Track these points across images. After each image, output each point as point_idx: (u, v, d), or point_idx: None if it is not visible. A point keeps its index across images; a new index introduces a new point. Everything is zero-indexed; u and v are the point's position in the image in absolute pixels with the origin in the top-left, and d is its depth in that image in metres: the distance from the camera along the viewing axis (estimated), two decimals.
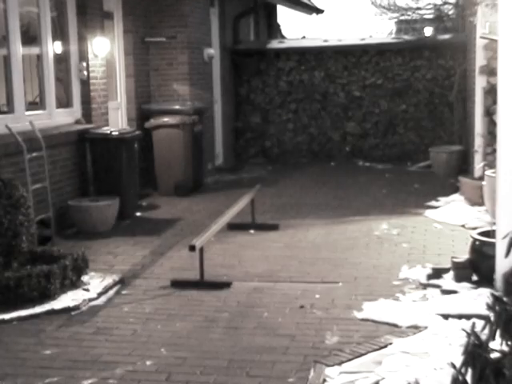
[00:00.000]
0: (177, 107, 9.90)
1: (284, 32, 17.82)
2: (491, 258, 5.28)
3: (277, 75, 13.00)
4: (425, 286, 5.55)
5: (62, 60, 8.49)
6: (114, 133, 8.31)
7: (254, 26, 14.87)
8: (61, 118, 8.20)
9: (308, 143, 13.02)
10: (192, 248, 5.67)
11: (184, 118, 9.73)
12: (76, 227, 7.70)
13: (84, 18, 8.50)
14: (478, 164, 8.76)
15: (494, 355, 2.58)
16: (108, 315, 5.20)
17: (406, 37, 13.67)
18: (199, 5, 11.11)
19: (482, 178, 8.00)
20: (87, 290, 5.59)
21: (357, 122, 12.80)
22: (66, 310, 5.23)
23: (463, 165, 10.70)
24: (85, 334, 4.82)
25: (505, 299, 2.73)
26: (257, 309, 5.22)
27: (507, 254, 3.04)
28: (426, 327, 4.68)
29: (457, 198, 8.71)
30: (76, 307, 5.27)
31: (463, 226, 7.48)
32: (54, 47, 8.16)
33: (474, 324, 2.72)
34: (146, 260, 6.62)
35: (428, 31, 15.57)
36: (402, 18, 13.44)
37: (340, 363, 4.20)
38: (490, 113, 8.48)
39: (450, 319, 4.77)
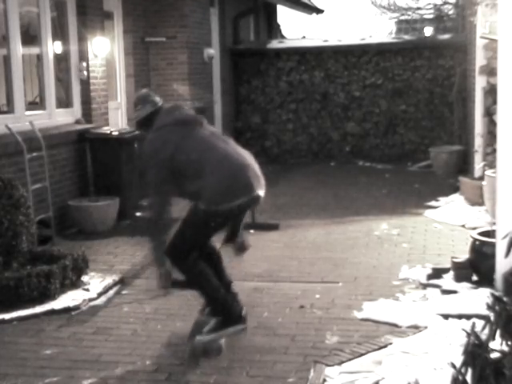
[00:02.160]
0: None
1: (284, 32, 17.84)
2: (491, 257, 5.28)
3: (277, 75, 12.99)
4: (425, 286, 5.55)
5: (61, 60, 8.49)
6: (114, 133, 8.31)
7: (254, 26, 14.87)
8: (61, 118, 8.20)
9: (308, 143, 13.02)
10: None
11: None
12: (76, 227, 7.70)
13: (84, 17, 8.50)
14: (478, 164, 8.76)
15: (494, 355, 2.58)
16: (108, 315, 5.20)
17: (406, 37, 13.67)
18: (199, 5, 11.11)
19: (482, 178, 8.00)
20: (87, 289, 5.59)
21: (357, 122, 12.80)
22: (66, 310, 5.23)
23: (463, 165, 10.71)
24: (85, 334, 4.82)
25: (505, 299, 2.73)
26: (257, 309, 5.22)
27: (507, 254, 3.04)
28: (426, 327, 4.68)
29: (457, 198, 8.71)
30: (76, 307, 5.27)
31: (463, 226, 7.48)
32: (54, 47, 8.16)
33: (474, 324, 2.72)
34: (146, 260, 6.62)
35: (428, 31, 15.56)
36: (402, 17, 13.46)
37: (340, 363, 4.20)
38: (489, 113, 8.48)
39: (450, 319, 4.77)
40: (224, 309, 4.58)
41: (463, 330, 2.70)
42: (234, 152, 4.58)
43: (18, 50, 7.36)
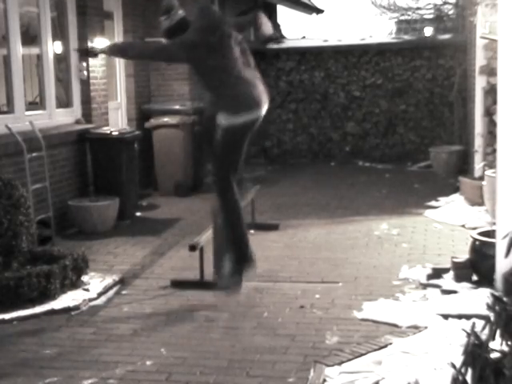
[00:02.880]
0: (177, 107, 9.90)
1: (284, 32, 17.80)
2: (491, 257, 5.28)
3: (277, 75, 12.99)
4: (425, 286, 5.55)
5: (61, 60, 8.49)
6: (114, 133, 8.31)
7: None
8: (61, 118, 8.20)
9: (308, 143, 13.02)
10: (192, 248, 5.68)
11: (184, 117, 9.74)
12: (76, 227, 7.70)
13: (84, 18, 8.50)
14: (478, 164, 8.76)
15: (494, 355, 2.58)
16: (108, 315, 5.20)
17: (406, 37, 13.67)
18: (199, 5, 11.07)
19: (482, 178, 8.00)
20: (87, 289, 5.60)
21: (357, 122, 12.80)
22: (66, 310, 5.23)
23: (463, 165, 10.71)
24: (85, 334, 4.82)
25: (505, 299, 2.73)
26: (257, 309, 5.22)
27: (507, 254, 3.04)
28: (426, 327, 4.68)
29: (457, 198, 8.71)
30: (76, 307, 5.27)
31: (463, 226, 7.48)
32: (54, 47, 8.16)
33: (474, 324, 2.72)
34: (146, 260, 6.63)
35: (428, 31, 15.54)
36: (402, 17, 13.43)
37: (340, 363, 4.20)
38: (490, 113, 8.48)
39: (450, 319, 4.77)
40: (241, 246, 5.46)
41: (463, 330, 2.70)
42: (247, 71, 5.41)
43: (18, 50, 7.36)
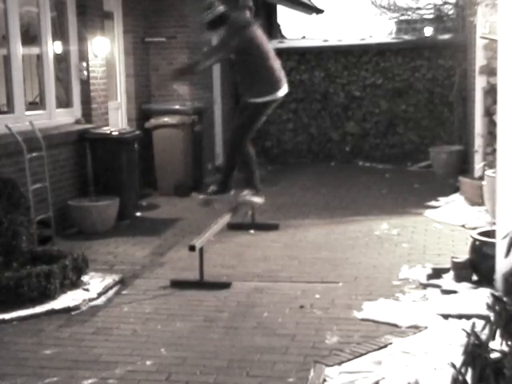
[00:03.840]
0: (177, 107, 9.90)
1: (284, 32, 17.80)
2: (491, 258, 5.28)
3: None
4: (425, 286, 5.55)
5: (62, 60, 8.49)
6: (113, 133, 8.31)
7: None
8: (61, 118, 8.20)
9: (308, 143, 13.02)
10: (192, 248, 5.68)
11: (184, 117, 9.73)
12: (76, 227, 7.70)
13: (84, 17, 8.50)
14: (478, 164, 8.76)
15: (494, 355, 2.58)
16: (108, 315, 5.20)
17: (406, 37, 13.67)
18: (199, 4, 11.08)
19: (482, 178, 8.00)
20: (87, 289, 5.59)
21: (357, 121, 12.80)
22: (66, 310, 5.23)
23: (463, 165, 10.71)
24: (85, 334, 4.82)
25: (505, 299, 2.73)
26: (257, 309, 5.22)
27: (507, 254, 3.05)
28: (426, 327, 4.68)
29: (457, 198, 8.71)
30: (76, 307, 5.27)
31: (463, 226, 7.48)
32: (54, 47, 8.16)
33: (473, 324, 2.72)
34: (146, 260, 6.63)
35: (428, 31, 15.54)
36: (402, 17, 13.43)
37: (340, 363, 4.20)
38: (490, 113, 8.48)
39: (450, 319, 4.77)
40: (256, 184, 7.17)
41: (463, 330, 2.70)
42: (272, 56, 7.00)
43: (18, 49, 7.36)
